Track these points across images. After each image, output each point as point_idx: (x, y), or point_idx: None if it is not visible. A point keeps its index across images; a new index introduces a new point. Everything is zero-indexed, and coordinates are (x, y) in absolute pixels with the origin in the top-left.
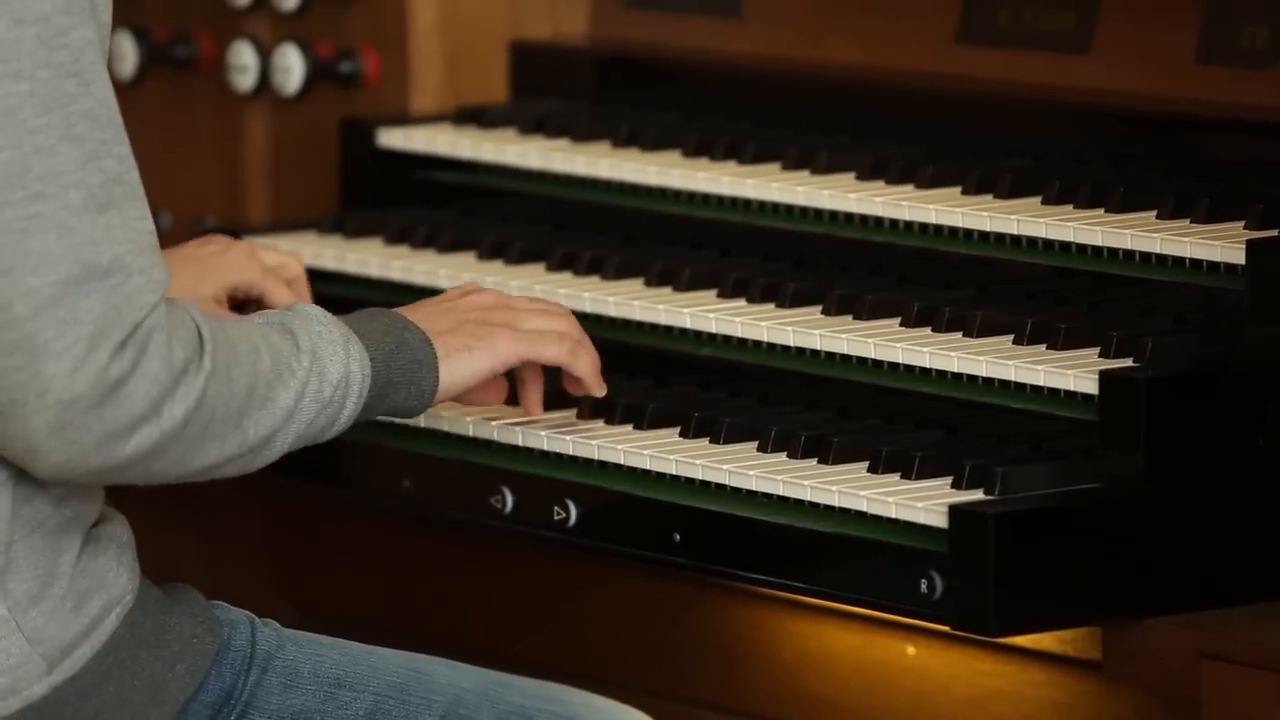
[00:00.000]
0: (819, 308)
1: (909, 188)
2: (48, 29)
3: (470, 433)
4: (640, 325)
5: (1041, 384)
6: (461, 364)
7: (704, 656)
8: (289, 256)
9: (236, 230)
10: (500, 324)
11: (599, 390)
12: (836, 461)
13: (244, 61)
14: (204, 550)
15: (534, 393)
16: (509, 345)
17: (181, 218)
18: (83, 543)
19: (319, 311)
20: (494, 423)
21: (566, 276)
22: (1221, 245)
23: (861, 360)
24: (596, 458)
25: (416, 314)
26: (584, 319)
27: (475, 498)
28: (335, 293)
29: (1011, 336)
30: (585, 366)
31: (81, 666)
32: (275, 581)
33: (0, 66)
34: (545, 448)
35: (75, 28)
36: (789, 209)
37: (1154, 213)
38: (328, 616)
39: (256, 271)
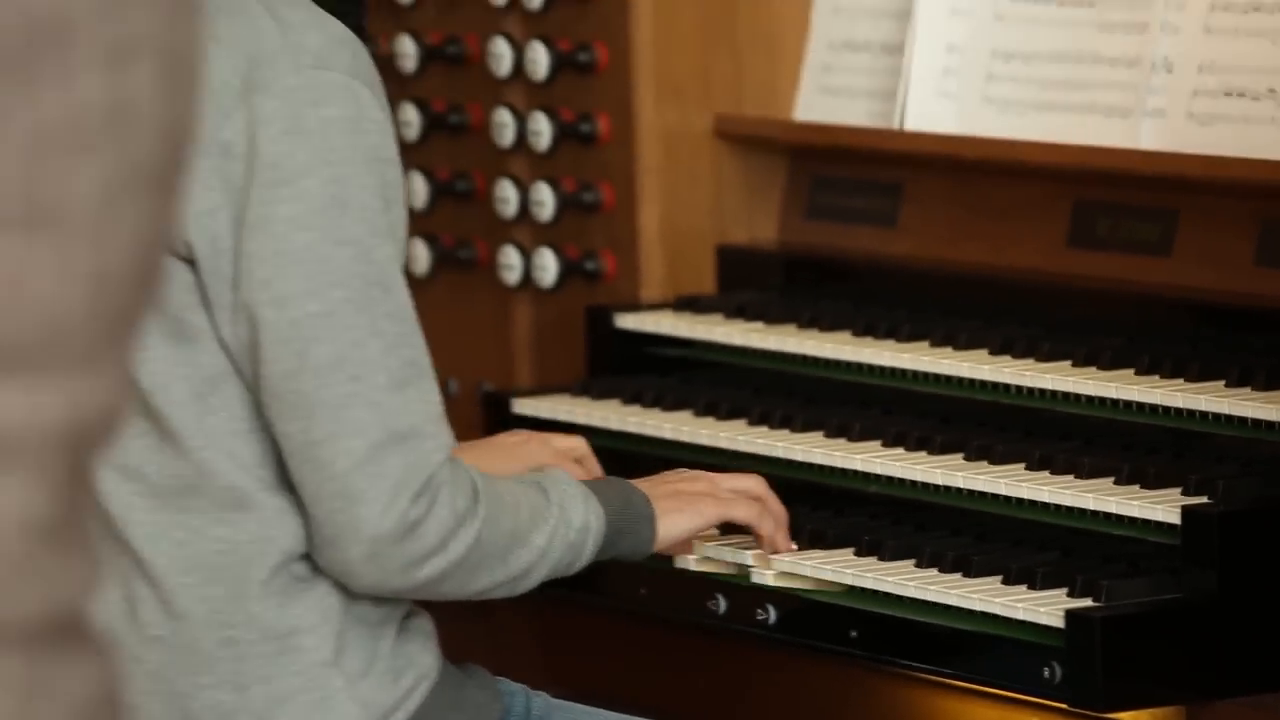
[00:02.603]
0: (961, 455)
1: (1030, 361)
2: (359, 248)
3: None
4: (821, 468)
5: (1136, 515)
6: (674, 522)
7: None
8: (578, 440)
9: (507, 394)
10: (704, 492)
11: (784, 545)
12: (976, 575)
13: (511, 262)
14: (490, 638)
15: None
16: (711, 508)
17: (466, 384)
18: (397, 632)
19: (565, 475)
20: (708, 545)
21: (763, 429)
22: (1276, 408)
23: (995, 496)
24: (790, 571)
25: (641, 483)
26: (777, 462)
27: (697, 603)
28: None
29: (1113, 478)
30: (767, 527)
31: None
32: (545, 663)
33: (324, 278)
34: (749, 563)
35: (379, 246)
36: (936, 377)
37: (1223, 382)
38: (585, 691)
39: (550, 456)
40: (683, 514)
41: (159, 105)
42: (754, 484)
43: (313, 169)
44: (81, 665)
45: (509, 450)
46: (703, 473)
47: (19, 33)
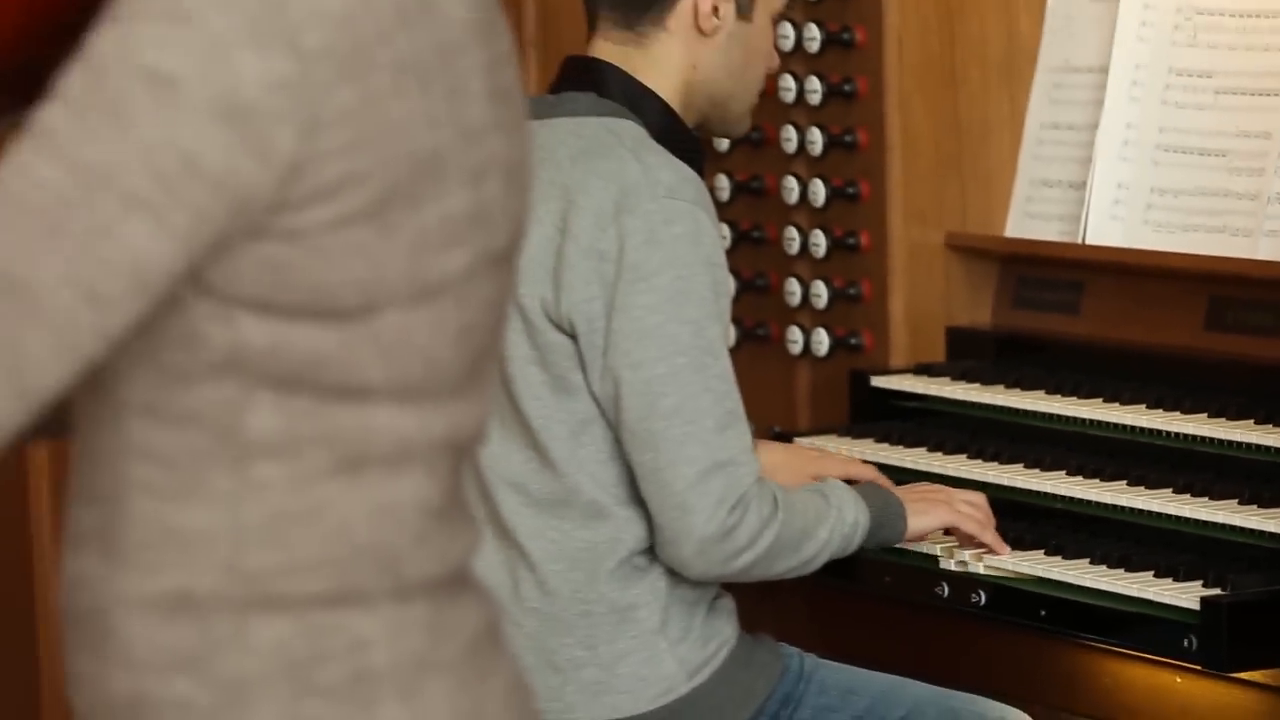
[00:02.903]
0: (1124, 481)
1: (1176, 413)
2: (696, 327)
3: (923, 550)
4: (1023, 490)
5: (1255, 528)
6: (919, 521)
7: (1058, 681)
8: (860, 461)
9: (791, 434)
10: (943, 501)
11: (999, 550)
12: (1134, 570)
13: (795, 339)
14: (774, 614)
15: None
16: (946, 514)
17: (760, 427)
18: (708, 609)
19: (841, 484)
20: (937, 545)
21: (978, 462)
22: None
23: (1149, 512)
24: (996, 565)
25: (896, 490)
26: (988, 486)
27: (927, 588)
28: None
29: (1237, 500)
30: (989, 538)
31: (706, 678)
32: (815, 633)
33: (670, 348)
34: (966, 559)
35: (710, 326)
36: (1106, 424)
37: None
38: (845, 653)
39: (840, 465)
40: (927, 515)
41: (504, 204)
42: (977, 499)
43: (664, 270)
44: (470, 608)
45: (808, 457)
46: (942, 486)
47: (406, 170)
